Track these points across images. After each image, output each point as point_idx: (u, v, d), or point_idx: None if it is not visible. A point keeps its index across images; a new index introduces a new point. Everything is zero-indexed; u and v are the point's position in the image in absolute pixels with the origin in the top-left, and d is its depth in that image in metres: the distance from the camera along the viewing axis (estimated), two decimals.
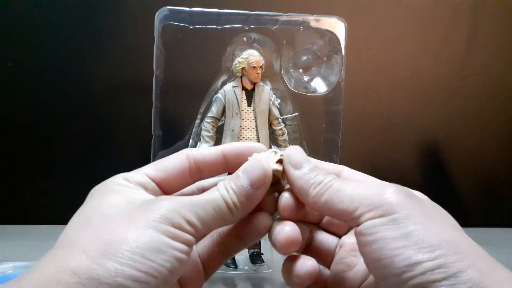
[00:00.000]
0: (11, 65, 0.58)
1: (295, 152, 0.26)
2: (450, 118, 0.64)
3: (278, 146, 0.43)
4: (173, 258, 0.21)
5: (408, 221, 0.21)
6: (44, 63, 0.58)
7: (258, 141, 0.41)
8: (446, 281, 0.20)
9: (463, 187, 0.65)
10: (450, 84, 0.63)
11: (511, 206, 0.65)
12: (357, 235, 0.23)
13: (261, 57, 0.41)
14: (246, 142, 0.33)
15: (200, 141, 0.42)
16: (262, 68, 0.41)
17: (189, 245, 0.22)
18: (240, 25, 0.41)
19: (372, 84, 0.62)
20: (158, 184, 0.25)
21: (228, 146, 0.27)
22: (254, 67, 0.40)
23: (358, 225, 0.23)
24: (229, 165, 0.27)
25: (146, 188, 0.25)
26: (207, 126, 0.41)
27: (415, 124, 0.64)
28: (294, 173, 0.25)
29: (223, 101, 0.41)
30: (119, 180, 0.25)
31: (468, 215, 0.65)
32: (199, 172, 0.26)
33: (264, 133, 0.42)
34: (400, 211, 0.22)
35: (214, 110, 0.41)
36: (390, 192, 0.22)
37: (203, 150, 0.27)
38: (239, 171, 0.24)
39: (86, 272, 0.19)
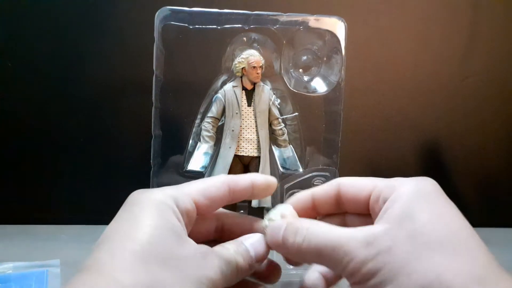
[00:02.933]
0: (11, 65, 0.58)
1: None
2: (450, 118, 0.64)
3: (278, 146, 0.43)
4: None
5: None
6: (44, 63, 0.58)
7: (258, 141, 0.41)
8: None
9: (463, 187, 0.65)
10: (450, 84, 0.63)
11: (511, 206, 0.65)
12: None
13: (261, 57, 0.41)
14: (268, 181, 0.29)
15: (200, 141, 0.42)
16: (262, 68, 0.41)
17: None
18: (240, 25, 0.41)
19: (372, 84, 0.62)
20: (198, 210, 0.26)
21: (258, 180, 0.28)
22: (254, 67, 0.40)
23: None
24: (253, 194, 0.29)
25: (189, 217, 0.25)
26: (207, 126, 0.41)
27: (415, 124, 0.64)
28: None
29: (223, 101, 0.41)
30: (169, 202, 0.24)
31: (468, 215, 0.65)
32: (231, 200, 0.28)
33: (264, 133, 0.42)
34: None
35: (214, 110, 0.41)
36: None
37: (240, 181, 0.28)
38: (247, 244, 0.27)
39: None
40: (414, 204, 0.24)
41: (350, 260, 0.23)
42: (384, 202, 0.25)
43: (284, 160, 0.42)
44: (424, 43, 0.62)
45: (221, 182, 0.27)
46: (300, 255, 0.25)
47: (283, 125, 0.43)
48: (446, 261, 0.22)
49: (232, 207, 0.42)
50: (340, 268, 0.23)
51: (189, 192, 0.26)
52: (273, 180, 0.29)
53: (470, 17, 0.62)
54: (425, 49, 0.63)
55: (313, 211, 0.29)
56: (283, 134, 0.42)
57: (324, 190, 0.29)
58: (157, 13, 0.39)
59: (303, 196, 0.29)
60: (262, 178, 0.29)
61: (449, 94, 0.64)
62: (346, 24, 0.42)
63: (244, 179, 0.28)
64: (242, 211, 0.44)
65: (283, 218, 0.27)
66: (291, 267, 0.44)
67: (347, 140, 0.47)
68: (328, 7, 0.60)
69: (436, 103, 0.63)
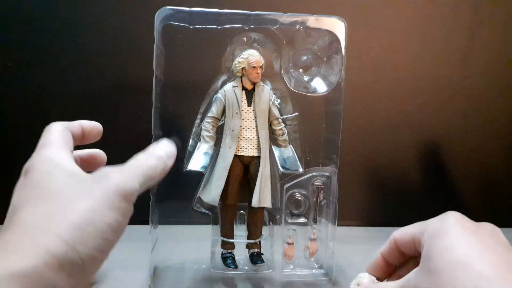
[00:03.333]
0: (11, 65, 0.58)
1: None
2: (450, 118, 0.64)
3: (278, 146, 0.43)
4: (122, 229, 0.25)
5: None
6: (43, 63, 0.58)
7: (258, 141, 0.41)
8: None
9: (463, 187, 0.65)
10: (450, 84, 0.63)
11: (511, 206, 0.65)
12: None
13: (261, 57, 0.40)
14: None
15: (200, 141, 0.42)
16: (262, 68, 0.41)
17: (131, 211, 0.26)
18: (240, 25, 0.40)
19: (372, 84, 0.62)
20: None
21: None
22: (254, 67, 0.40)
23: None
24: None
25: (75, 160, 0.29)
26: (207, 126, 0.41)
27: (415, 124, 0.64)
28: None
29: (223, 101, 0.41)
30: (53, 155, 0.28)
31: (468, 215, 0.65)
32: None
33: (264, 132, 0.41)
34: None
35: (214, 110, 0.41)
36: None
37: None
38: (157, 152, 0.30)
39: (59, 254, 0.22)
40: (432, 245, 0.28)
41: None
42: (419, 245, 0.30)
43: (284, 160, 0.42)
44: (424, 43, 0.62)
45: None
46: None
47: (283, 125, 0.42)
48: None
49: (233, 207, 0.43)
50: None
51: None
52: (98, 124, 0.34)
53: (470, 17, 0.62)
54: (425, 49, 0.63)
55: (388, 267, 0.34)
56: (283, 134, 0.42)
57: (388, 246, 0.33)
58: (157, 13, 0.39)
59: (376, 260, 0.34)
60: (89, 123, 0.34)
61: (449, 94, 0.64)
62: (346, 24, 0.41)
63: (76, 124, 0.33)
64: (242, 211, 0.44)
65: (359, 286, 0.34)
66: (291, 267, 0.44)
67: (347, 140, 0.47)
68: (329, 8, 0.60)
69: (436, 103, 0.63)
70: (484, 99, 0.64)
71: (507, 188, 0.66)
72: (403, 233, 0.32)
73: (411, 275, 0.28)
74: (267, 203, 0.42)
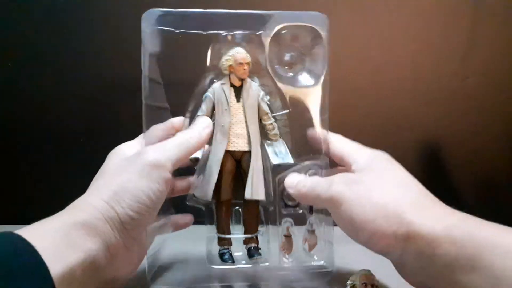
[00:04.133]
0: (11, 65, 0.58)
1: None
2: (450, 118, 0.64)
3: (269, 140, 0.43)
4: (156, 197, 0.34)
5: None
6: (43, 63, 0.59)
7: (249, 136, 0.41)
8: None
9: (463, 187, 0.65)
10: (450, 84, 0.63)
11: (511, 206, 0.65)
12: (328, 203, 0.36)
13: (247, 54, 0.41)
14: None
15: None
16: (249, 65, 0.41)
17: (167, 182, 0.35)
18: (224, 32, 0.41)
19: (372, 84, 0.62)
20: None
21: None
22: (240, 63, 0.40)
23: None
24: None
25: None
26: None
27: (415, 124, 0.64)
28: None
29: (213, 99, 0.41)
30: (122, 147, 0.39)
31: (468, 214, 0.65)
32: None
33: (254, 127, 0.41)
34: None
35: (204, 108, 0.41)
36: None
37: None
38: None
39: (102, 210, 0.32)
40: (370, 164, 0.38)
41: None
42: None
43: (275, 154, 0.42)
44: (424, 43, 0.62)
45: (168, 126, 0.41)
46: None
47: (273, 120, 0.42)
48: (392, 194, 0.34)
49: (227, 203, 0.42)
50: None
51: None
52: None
53: (470, 17, 0.62)
54: (425, 49, 0.63)
55: None
56: (273, 129, 0.42)
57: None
58: (143, 15, 0.39)
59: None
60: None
61: (449, 94, 0.64)
62: (328, 18, 0.41)
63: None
64: (237, 207, 0.43)
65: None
66: (290, 259, 0.44)
67: None
68: (328, 7, 0.60)
69: (436, 103, 0.63)
70: (484, 99, 0.64)
71: (507, 188, 0.66)
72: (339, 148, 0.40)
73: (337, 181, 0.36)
74: (261, 195, 0.41)
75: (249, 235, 0.43)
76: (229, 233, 0.43)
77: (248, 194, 0.41)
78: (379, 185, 0.35)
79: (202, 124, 0.39)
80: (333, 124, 0.43)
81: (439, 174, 0.65)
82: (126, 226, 0.33)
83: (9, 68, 0.58)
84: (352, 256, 0.49)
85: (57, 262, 0.26)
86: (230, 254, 0.42)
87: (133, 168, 0.34)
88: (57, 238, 0.28)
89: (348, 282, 0.39)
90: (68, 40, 0.58)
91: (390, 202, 0.33)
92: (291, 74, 0.43)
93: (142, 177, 0.34)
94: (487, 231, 0.29)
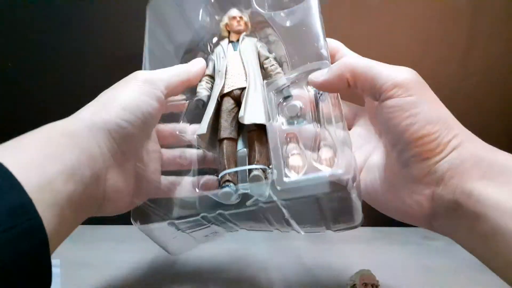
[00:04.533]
0: (11, 65, 0.58)
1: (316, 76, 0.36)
2: None
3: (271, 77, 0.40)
4: (147, 110, 0.33)
5: (419, 103, 0.31)
6: (44, 63, 0.58)
7: (246, 74, 0.39)
8: (439, 148, 0.30)
9: None
10: (450, 84, 0.63)
11: None
12: (380, 108, 0.32)
13: (241, 12, 0.42)
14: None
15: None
16: (242, 19, 0.42)
17: (159, 100, 0.35)
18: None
19: None
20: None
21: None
22: (233, 17, 0.42)
23: (381, 100, 0.32)
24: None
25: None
26: (201, 83, 0.41)
27: None
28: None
29: (213, 57, 0.42)
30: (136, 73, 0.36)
31: None
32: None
33: (252, 68, 0.39)
34: (414, 95, 0.32)
35: (207, 69, 0.41)
36: (406, 76, 0.34)
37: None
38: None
39: (87, 121, 0.31)
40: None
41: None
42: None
43: (278, 88, 0.39)
44: (424, 43, 0.62)
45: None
46: None
47: (274, 62, 0.40)
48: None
49: (228, 141, 0.37)
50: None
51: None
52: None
53: (470, 17, 0.62)
54: (425, 49, 0.63)
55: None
56: (276, 69, 0.40)
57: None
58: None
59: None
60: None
61: (449, 94, 0.63)
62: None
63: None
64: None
65: None
66: (299, 174, 0.39)
67: None
68: (328, 7, 0.60)
69: None
70: (484, 99, 0.64)
71: None
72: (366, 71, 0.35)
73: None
74: (259, 118, 0.35)
75: (253, 166, 0.35)
76: (233, 167, 0.36)
77: (242, 118, 0.36)
78: (428, 102, 0.33)
79: (195, 61, 0.41)
80: None
81: None
82: (113, 134, 0.31)
83: (9, 68, 0.58)
84: (352, 256, 0.50)
85: (31, 176, 0.24)
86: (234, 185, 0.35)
87: (124, 84, 0.34)
88: (31, 150, 0.26)
89: (348, 282, 0.39)
90: (66, 40, 0.58)
91: (442, 114, 0.33)
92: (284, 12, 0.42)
93: (133, 90, 0.33)
94: None
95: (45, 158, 0.26)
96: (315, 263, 0.50)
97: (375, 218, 0.65)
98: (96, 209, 0.31)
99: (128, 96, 0.33)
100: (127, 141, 0.32)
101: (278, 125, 0.35)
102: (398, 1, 0.62)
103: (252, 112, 0.36)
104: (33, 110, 0.59)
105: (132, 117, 0.32)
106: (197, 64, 0.40)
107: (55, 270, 0.42)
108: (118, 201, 0.33)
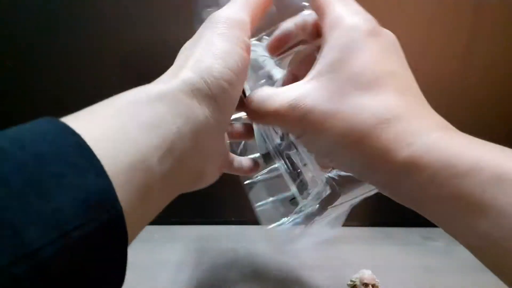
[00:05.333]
0: (11, 65, 0.58)
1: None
2: (450, 118, 0.63)
3: None
4: (242, 64, 0.27)
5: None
6: (44, 63, 0.58)
7: None
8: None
9: None
10: (450, 84, 0.63)
11: None
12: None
13: None
14: None
15: None
16: None
17: (248, 48, 0.28)
18: None
19: None
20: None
21: None
22: None
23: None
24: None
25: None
26: None
27: None
28: None
29: None
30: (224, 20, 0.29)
31: None
32: None
33: None
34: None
35: None
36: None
37: None
38: None
39: (188, 82, 0.25)
40: (344, 52, 0.27)
41: (278, 124, 0.28)
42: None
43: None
44: (424, 43, 0.62)
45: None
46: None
47: None
48: (367, 105, 0.25)
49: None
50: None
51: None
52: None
53: (471, 17, 0.62)
54: (425, 49, 0.63)
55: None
56: None
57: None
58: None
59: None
60: None
61: (449, 94, 0.63)
62: None
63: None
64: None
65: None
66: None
67: None
68: None
69: (436, 103, 0.63)
70: (484, 99, 0.64)
71: None
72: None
73: (303, 90, 0.26)
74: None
75: None
76: None
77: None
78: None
79: None
80: None
81: None
82: (218, 100, 0.25)
83: (9, 68, 0.58)
84: (352, 256, 0.50)
85: (117, 152, 0.19)
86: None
87: (210, 31, 0.27)
88: (116, 119, 0.21)
89: (349, 282, 0.39)
90: (67, 41, 0.58)
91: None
92: None
93: (224, 40, 0.27)
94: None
95: (137, 128, 0.21)
96: (315, 263, 0.50)
97: (375, 218, 0.65)
98: (192, 185, 0.28)
99: (224, 48, 0.26)
100: (227, 105, 0.27)
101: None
102: (399, 1, 0.62)
103: None
104: (33, 110, 0.59)
105: (234, 77, 0.26)
106: None
107: None
108: (212, 173, 0.30)
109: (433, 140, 0.24)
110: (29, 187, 0.16)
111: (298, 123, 0.26)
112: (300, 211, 0.33)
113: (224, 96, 0.26)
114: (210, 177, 0.31)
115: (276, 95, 0.27)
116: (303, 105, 0.25)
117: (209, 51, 0.26)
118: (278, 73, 0.34)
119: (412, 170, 0.23)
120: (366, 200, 0.50)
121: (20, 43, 0.58)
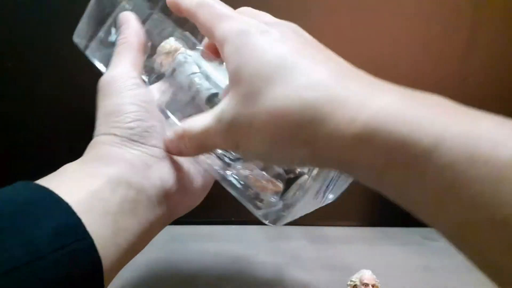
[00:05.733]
0: (11, 65, 0.58)
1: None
2: None
3: None
4: (136, 104, 0.32)
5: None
6: (43, 61, 0.58)
7: None
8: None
9: None
10: (450, 84, 0.63)
11: None
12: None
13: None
14: None
15: None
16: None
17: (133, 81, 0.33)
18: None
19: None
20: None
21: None
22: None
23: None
24: None
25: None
26: None
27: None
28: None
29: None
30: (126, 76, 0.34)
31: None
32: None
33: None
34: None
35: None
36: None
37: None
38: None
39: (107, 140, 0.30)
40: (240, 58, 0.25)
41: (213, 144, 0.29)
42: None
43: None
44: (424, 43, 0.62)
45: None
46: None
47: None
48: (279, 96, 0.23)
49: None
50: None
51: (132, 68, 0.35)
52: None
53: (470, 17, 0.62)
54: (425, 49, 0.63)
55: None
56: None
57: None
58: None
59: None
60: None
61: (449, 94, 0.63)
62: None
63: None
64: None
65: None
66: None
67: None
68: (329, 6, 0.60)
69: None
70: (484, 99, 0.64)
71: None
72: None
73: (223, 104, 0.26)
74: None
75: None
76: None
77: None
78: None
79: (129, 20, 0.37)
80: None
81: None
82: (134, 138, 0.30)
83: (9, 68, 0.58)
84: (352, 256, 0.50)
85: (76, 193, 0.24)
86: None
87: (103, 94, 0.34)
88: (72, 174, 0.27)
89: (349, 282, 0.39)
90: (67, 41, 0.58)
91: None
92: None
93: (109, 96, 0.33)
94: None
95: (87, 176, 0.26)
96: (315, 263, 0.50)
97: (375, 218, 0.65)
98: (162, 210, 0.30)
99: (118, 102, 0.32)
100: (151, 134, 0.31)
101: None
102: (399, 1, 0.62)
103: None
104: (33, 110, 0.59)
105: (133, 116, 0.31)
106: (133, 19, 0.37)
107: None
108: (183, 194, 0.32)
109: (383, 107, 0.21)
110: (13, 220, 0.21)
111: (229, 135, 0.26)
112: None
113: (138, 133, 0.31)
114: (193, 200, 0.34)
115: (200, 117, 0.28)
116: (226, 114, 0.26)
117: (112, 111, 0.32)
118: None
119: (363, 149, 0.21)
120: (366, 200, 0.51)
121: (20, 43, 0.58)
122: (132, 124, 0.30)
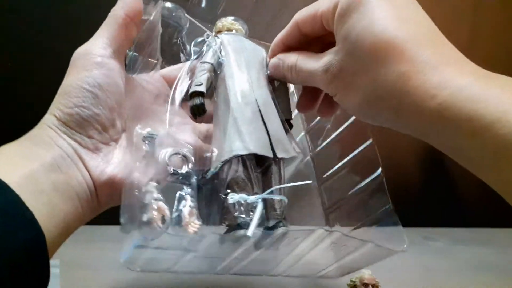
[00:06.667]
0: (11, 65, 0.58)
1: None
2: None
3: None
4: (104, 81, 0.32)
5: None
6: (42, 61, 0.58)
7: None
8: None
9: (463, 187, 0.65)
10: None
11: (511, 206, 0.65)
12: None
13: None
14: None
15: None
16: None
17: (100, 64, 0.33)
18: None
19: None
20: None
21: None
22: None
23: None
24: None
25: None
26: None
27: None
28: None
29: None
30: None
31: (468, 215, 0.65)
32: None
33: None
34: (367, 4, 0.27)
35: None
36: None
37: None
38: None
39: (46, 121, 0.32)
40: (354, 18, 0.27)
41: (316, 85, 0.30)
42: (328, 23, 0.29)
43: None
44: None
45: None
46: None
47: None
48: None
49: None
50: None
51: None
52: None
53: (470, 17, 0.62)
54: None
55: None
56: None
57: (288, 31, 0.33)
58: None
59: (274, 47, 0.34)
60: None
61: None
62: None
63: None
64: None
65: None
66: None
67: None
68: None
69: None
70: None
71: None
72: (306, 13, 0.31)
73: (332, 56, 0.28)
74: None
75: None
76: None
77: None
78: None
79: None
80: None
81: (439, 174, 0.65)
82: (70, 124, 0.31)
83: (9, 68, 0.58)
84: None
85: (13, 174, 0.25)
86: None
87: (76, 64, 0.34)
88: (9, 156, 0.28)
89: (349, 282, 0.39)
90: (68, 41, 0.58)
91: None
92: None
93: (70, 74, 0.33)
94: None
95: (22, 158, 0.27)
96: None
97: (376, 218, 0.65)
98: (92, 198, 0.30)
99: (68, 83, 0.33)
100: (90, 123, 0.31)
101: None
102: None
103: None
104: (33, 110, 0.59)
105: (79, 100, 0.31)
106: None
107: (54, 271, 0.42)
108: (112, 187, 0.31)
109: (459, 88, 0.25)
110: None
111: (331, 85, 0.29)
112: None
113: (75, 119, 0.31)
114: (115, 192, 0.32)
115: (312, 59, 0.30)
116: (333, 68, 0.28)
117: (61, 91, 0.34)
118: None
119: (441, 120, 0.24)
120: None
121: (20, 43, 0.58)
122: (71, 111, 0.31)
